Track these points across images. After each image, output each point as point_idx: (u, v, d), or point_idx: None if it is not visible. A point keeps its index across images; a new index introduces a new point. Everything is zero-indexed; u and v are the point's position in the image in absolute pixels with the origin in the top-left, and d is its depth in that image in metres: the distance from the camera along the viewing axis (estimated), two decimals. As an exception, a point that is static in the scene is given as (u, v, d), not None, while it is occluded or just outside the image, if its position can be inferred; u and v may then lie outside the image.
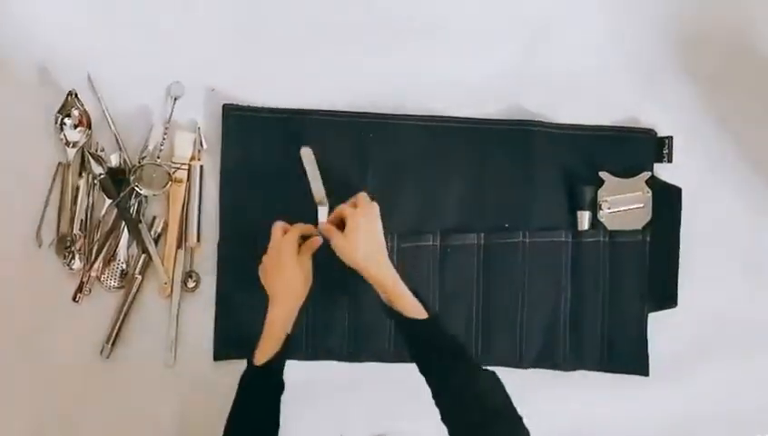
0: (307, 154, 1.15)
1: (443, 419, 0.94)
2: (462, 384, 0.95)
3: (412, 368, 1.04)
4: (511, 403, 0.94)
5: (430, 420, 0.94)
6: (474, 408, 0.93)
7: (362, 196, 1.08)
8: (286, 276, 1.05)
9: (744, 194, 1.21)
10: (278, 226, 1.08)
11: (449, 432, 0.93)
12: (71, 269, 1.13)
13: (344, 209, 1.07)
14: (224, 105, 1.15)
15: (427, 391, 0.97)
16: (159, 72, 1.15)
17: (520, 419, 0.92)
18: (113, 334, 1.13)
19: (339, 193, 1.14)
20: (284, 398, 1.06)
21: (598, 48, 1.21)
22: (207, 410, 1.13)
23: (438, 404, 0.96)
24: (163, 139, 1.14)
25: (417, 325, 1.00)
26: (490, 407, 0.93)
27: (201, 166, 1.15)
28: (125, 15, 1.16)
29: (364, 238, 1.04)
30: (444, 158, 1.17)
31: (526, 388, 1.15)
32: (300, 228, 1.09)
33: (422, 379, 1.09)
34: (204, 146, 1.15)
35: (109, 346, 1.13)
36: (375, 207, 1.07)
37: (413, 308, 1.00)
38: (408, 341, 1.02)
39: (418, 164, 1.17)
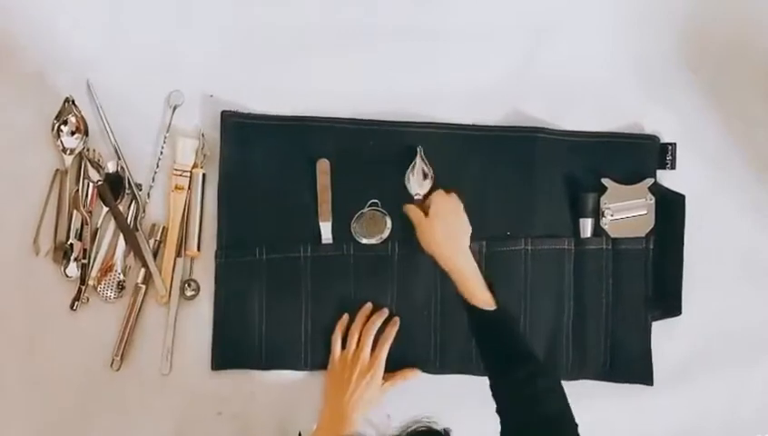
0: (323, 167, 1.14)
1: (498, 411, 0.95)
2: (519, 383, 0.96)
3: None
4: (568, 413, 0.94)
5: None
6: (527, 409, 0.95)
7: (449, 193, 1.10)
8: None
9: (748, 201, 1.20)
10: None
11: (501, 425, 0.93)
12: (68, 277, 1.12)
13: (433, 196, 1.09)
14: (223, 112, 1.14)
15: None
16: (157, 79, 1.14)
17: (573, 430, 0.92)
18: (122, 346, 1.12)
19: (340, 204, 1.14)
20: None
21: (601, 54, 1.20)
22: (204, 419, 1.13)
23: (494, 396, 0.97)
24: (162, 147, 1.14)
25: (484, 315, 1.01)
26: (543, 412, 0.94)
27: (204, 174, 1.14)
28: (124, 22, 1.15)
29: (444, 223, 1.06)
30: (445, 165, 1.16)
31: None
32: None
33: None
34: (208, 153, 1.14)
35: (118, 359, 1.12)
36: (460, 203, 1.09)
37: (483, 298, 1.01)
38: (474, 331, 1.03)
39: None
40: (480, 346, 1.03)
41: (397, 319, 1.14)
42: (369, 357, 1.11)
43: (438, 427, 0.82)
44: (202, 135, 1.14)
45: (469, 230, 1.08)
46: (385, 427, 0.87)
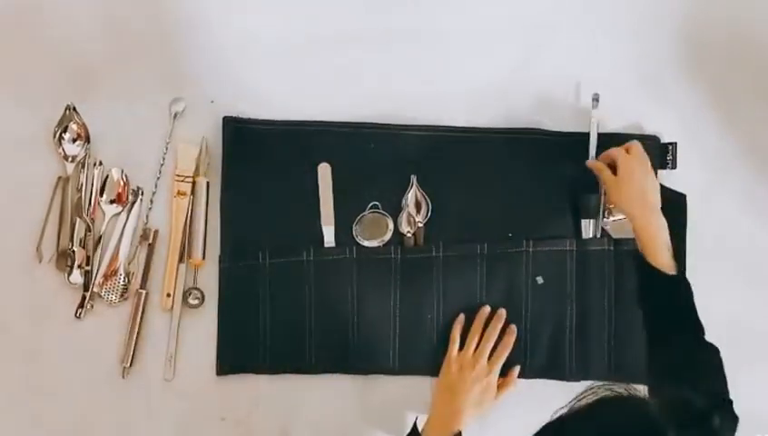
0: (324, 171, 1.14)
1: (650, 376, 0.96)
2: (680, 353, 0.97)
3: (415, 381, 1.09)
4: (723, 387, 0.94)
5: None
6: (683, 379, 0.94)
7: (636, 145, 1.09)
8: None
9: (749, 199, 1.19)
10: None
11: (652, 389, 0.93)
12: (72, 284, 1.12)
13: (616, 152, 1.08)
14: (224, 117, 1.15)
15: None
16: (159, 85, 1.15)
17: (725, 405, 0.92)
18: (130, 354, 1.12)
19: (342, 208, 1.14)
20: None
21: (602, 54, 1.20)
22: (208, 425, 1.13)
23: (649, 362, 0.99)
24: (164, 154, 1.14)
25: (663, 278, 1.01)
26: (703, 385, 0.93)
27: (207, 182, 1.14)
28: (125, 29, 1.16)
29: (633, 182, 1.06)
30: (446, 167, 1.17)
31: (531, 398, 1.15)
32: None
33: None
34: (209, 161, 1.14)
35: (127, 366, 1.12)
36: (647, 159, 1.08)
37: (665, 261, 1.01)
38: (646, 293, 1.04)
39: (419, 174, 1.16)
40: (651, 310, 1.03)
41: (514, 327, 1.13)
42: (487, 363, 1.11)
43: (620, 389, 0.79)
44: (206, 145, 1.14)
45: (658, 187, 1.08)
46: None
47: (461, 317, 1.14)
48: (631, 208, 1.06)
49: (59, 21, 1.15)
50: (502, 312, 1.14)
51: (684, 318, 1.00)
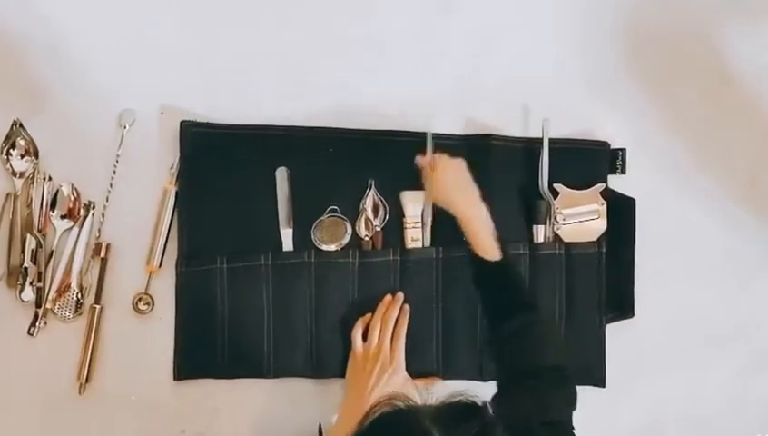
0: (281, 175, 1.14)
1: (496, 368, 1.01)
2: (516, 334, 1.00)
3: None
4: (563, 363, 0.99)
5: None
6: (522, 360, 0.99)
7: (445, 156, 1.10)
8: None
9: (697, 201, 1.23)
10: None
11: (497, 381, 0.99)
12: (24, 302, 1.10)
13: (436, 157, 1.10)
14: (182, 122, 1.13)
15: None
16: (109, 98, 1.13)
17: (569, 381, 0.98)
18: (85, 370, 1.11)
19: (300, 212, 1.14)
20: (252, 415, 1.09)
21: (550, 61, 1.21)
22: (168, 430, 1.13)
23: (493, 351, 1.03)
24: (115, 167, 1.13)
25: (487, 266, 1.04)
26: (538, 362, 0.99)
27: (177, 192, 1.13)
28: (74, 41, 1.14)
29: (448, 178, 1.08)
30: (403, 172, 1.16)
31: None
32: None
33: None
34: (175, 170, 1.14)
35: (84, 382, 1.11)
36: (460, 160, 1.10)
37: (488, 249, 1.04)
38: (477, 282, 1.06)
39: (377, 178, 1.17)
40: (483, 298, 1.06)
41: (407, 307, 1.14)
42: (390, 350, 1.11)
43: (479, 402, 0.81)
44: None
45: (473, 183, 1.09)
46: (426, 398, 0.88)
47: (366, 316, 1.14)
48: (450, 198, 1.08)
49: (8, 35, 1.13)
50: (399, 296, 1.15)
51: (514, 300, 1.04)
